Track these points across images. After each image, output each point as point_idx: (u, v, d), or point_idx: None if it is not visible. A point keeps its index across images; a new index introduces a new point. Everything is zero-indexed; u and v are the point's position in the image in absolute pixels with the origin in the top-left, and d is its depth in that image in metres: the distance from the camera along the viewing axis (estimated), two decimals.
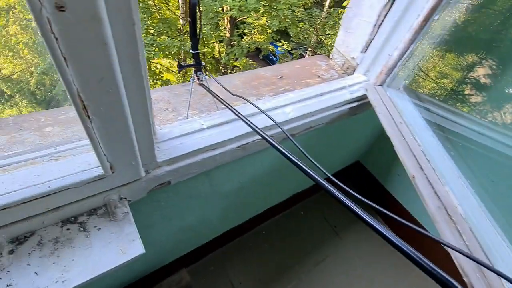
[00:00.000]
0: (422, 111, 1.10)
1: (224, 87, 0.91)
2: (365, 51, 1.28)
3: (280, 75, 1.35)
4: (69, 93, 0.44)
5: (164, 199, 0.94)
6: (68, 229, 0.67)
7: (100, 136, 0.54)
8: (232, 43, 9.33)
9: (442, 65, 1.23)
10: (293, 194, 1.95)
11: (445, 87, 1.24)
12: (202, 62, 0.92)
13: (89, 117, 0.49)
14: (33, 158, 0.62)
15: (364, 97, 1.26)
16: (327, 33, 10.18)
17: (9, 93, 10.01)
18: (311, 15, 9.56)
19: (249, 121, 0.80)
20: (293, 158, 0.65)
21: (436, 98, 1.19)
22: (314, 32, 10.27)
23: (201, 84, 0.95)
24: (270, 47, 9.85)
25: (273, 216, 2.05)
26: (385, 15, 1.14)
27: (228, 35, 9.51)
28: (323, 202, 2.21)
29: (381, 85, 1.19)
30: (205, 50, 9.32)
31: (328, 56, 1.60)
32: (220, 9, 8.30)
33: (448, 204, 0.79)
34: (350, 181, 2.33)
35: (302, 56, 10.05)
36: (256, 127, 0.79)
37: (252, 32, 9.57)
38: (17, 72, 9.77)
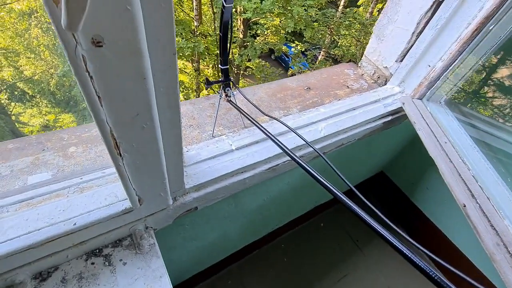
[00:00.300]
0: (468, 129, 1.00)
1: (255, 106, 0.85)
2: (401, 61, 1.18)
3: (307, 86, 1.28)
4: (102, 132, 0.39)
5: (188, 222, 0.89)
6: (92, 263, 0.62)
7: (131, 171, 0.49)
8: (245, 44, 9.29)
9: (495, 77, 1.12)
10: (314, 207, 1.87)
11: (498, 103, 1.13)
12: (231, 78, 0.86)
13: (120, 155, 0.44)
14: (58, 189, 0.57)
15: (399, 110, 1.17)
16: (341, 33, 9.98)
17: (30, 93, 10.35)
18: (326, 15, 9.39)
19: (279, 142, 0.74)
20: (322, 180, 0.61)
21: (486, 114, 1.09)
22: (329, 32, 10.08)
23: (229, 101, 0.89)
24: (283, 48, 9.74)
25: (293, 228, 1.98)
26: (426, 23, 1.05)
27: (241, 36, 9.47)
28: (344, 213, 2.12)
29: (420, 99, 1.10)
30: (217, 52, 9.32)
31: (355, 63, 1.51)
32: (233, 10, 8.27)
33: (509, 241, 0.69)
34: (373, 192, 2.23)
35: (315, 57, 9.87)
36: (287, 148, 0.72)
37: (265, 33, 9.49)
38: (38, 74, 10.10)
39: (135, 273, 0.62)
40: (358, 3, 11.32)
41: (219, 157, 0.79)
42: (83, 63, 0.30)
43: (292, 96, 1.20)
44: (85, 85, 0.32)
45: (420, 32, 1.07)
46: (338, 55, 10.25)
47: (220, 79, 0.85)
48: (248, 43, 9.13)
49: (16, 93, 8.48)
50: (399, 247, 0.50)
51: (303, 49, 9.44)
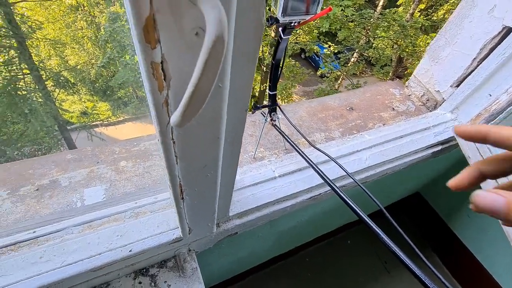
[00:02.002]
0: None
1: (302, 134, 0.83)
2: (457, 86, 1.10)
3: (349, 106, 1.23)
4: (172, 184, 0.40)
5: (225, 243, 0.90)
6: (140, 283, 0.65)
7: (188, 210, 0.50)
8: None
9: None
10: (343, 225, 1.82)
11: None
12: (278, 103, 0.85)
13: (183, 199, 0.45)
14: (115, 213, 0.61)
15: (450, 139, 1.09)
16: (378, 34, 9.54)
17: (72, 81, 11.09)
18: (363, 16, 9.00)
19: (323, 173, 0.72)
20: (356, 208, 0.62)
21: None
22: (364, 33, 9.68)
23: (274, 125, 0.89)
24: (315, 48, 9.52)
25: (318, 242, 1.94)
26: (491, 50, 0.96)
27: (272, 34, 9.40)
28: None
29: None
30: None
31: (401, 81, 1.43)
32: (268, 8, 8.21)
33: None
34: (406, 212, 2.12)
35: (348, 60, 9.53)
36: (329, 179, 0.71)
37: (297, 31, 9.33)
38: (80, 64, 10.80)
39: None
40: (398, 3, 10.72)
41: (262, 184, 0.79)
42: (170, 134, 0.31)
43: (334, 117, 1.16)
44: (168, 149, 0.33)
45: (483, 59, 0.99)
46: (372, 57, 9.82)
47: (267, 104, 0.85)
48: None
49: (60, 80, 9.14)
50: (420, 277, 0.49)
51: (336, 51, 9.15)
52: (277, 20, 0.57)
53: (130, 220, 0.61)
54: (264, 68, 10.14)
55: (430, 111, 1.23)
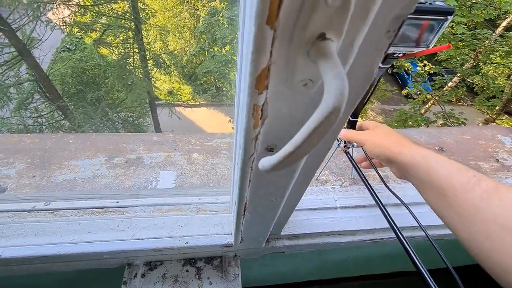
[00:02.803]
0: None
1: (376, 170, 0.76)
2: None
3: (440, 146, 1.07)
4: (238, 201, 0.41)
5: (270, 257, 0.90)
6: (187, 271, 0.70)
7: (246, 225, 0.51)
8: None
9: None
10: (396, 271, 1.61)
11: None
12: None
13: (244, 215, 0.46)
14: (181, 204, 0.67)
15: None
16: (492, 61, 8.02)
17: (168, 63, 12.64)
18: (477, 36, 7.66)
19: (391, 219, 0.64)
20: (422, 269, 0.52)
21: None
22: (473, 56, 8.24)
23: (346, 153, 0.83)
24: (406, 64, 8.59)
25: (365, 279, 1.77)
26: None
27: None
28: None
29: None
30: None
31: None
32: None
33: None
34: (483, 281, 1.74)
35: (445, 84, 8.27)
36: (396, 226, 0.62)
37: None
38: (177, 49, 12.25)
39: None
40: None
41: (320, 212, 0.75)
42: (251, 163, 0.31)
43: None
44: (244, 176, 0.34)
45: None
46: (477, 85, 8.33)
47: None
48: None
49: (159, 62, 10.54)
50: None
51: (431, 71, 8.05)
52: None
53: (191, 214, 0.66)
54: None
55: None
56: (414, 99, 8.54)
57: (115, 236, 0.59)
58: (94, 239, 0.58)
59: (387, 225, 0.76)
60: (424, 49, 0.51)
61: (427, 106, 8.74)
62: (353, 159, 0.83)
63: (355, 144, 0.86)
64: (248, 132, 0.26)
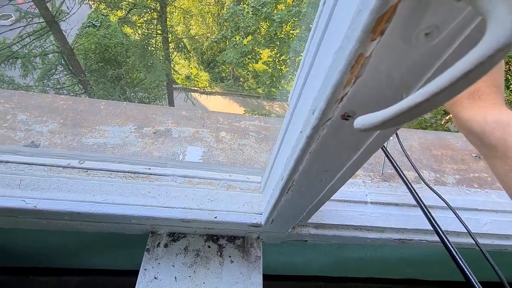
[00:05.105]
0: None
1: (415, 167, 0.72)
2: None
3: (477, 153, 1.01)
4: (288, 176, 0.39)
5: (288, 244, 0.88)
6: (209, 246, 0.70)
7: (283, 204, 0.49)
8: None
9: None
10: (414, 278, 1.57)
11: None
12: None
13: (287, 192, 0.44)
14: (212, 178, 0.65)
15: None
16: None
17: (188, 48, 12.68)
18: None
19: (435, 221, 0.61)
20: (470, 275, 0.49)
21: None
22: (505, 68, 7.87)
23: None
24: None
25: (376, 283, 1.74)
26: None
27: None
28: None
29: None
30: None
31: None
32: None
33: None
34: None
35: None
36: (441, 229, 0.58)
37: None
38: (199, 35, 12.23)
39: (237, 277, 0.66)
40: None
41: (350, 204, 0.73)
42: (321, 130, 0.29)
43: (453, 159, 0.98)
44: (308, 144, 0.31)
45: None
46: (506, 99, 7.97)
47: None
48: None
49: (180, 45, 10.55)
50: None
51: None
52: None
53: (221, 189, 0.64)
54: None
55: None
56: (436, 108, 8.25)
57: (145, 202, 0.58)
58: (125, 202, 0.58)
59: (419, 227, 0.73)
60: None
61: (448, 117, 8.45)
62: (388, 152, 0.80)
63: (391, 138, 0.82)
64: (337, 90, 0.24)
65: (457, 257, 0.51)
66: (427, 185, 0.71)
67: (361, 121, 0.20)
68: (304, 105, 0.32)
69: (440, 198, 0.65)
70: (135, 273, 0.64)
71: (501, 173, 0.42)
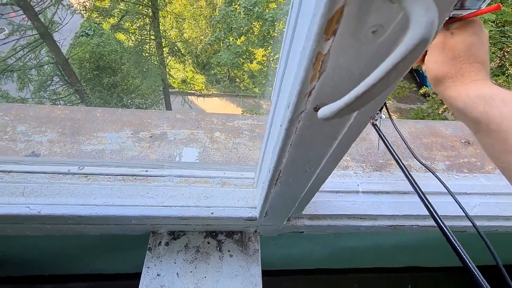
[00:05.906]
0: None
1: (412, 151, 0.75)
2: None
3: (466, 139, 1.04)
4: (274, 168, 0.42)
5: (286, 237, 0.91)
6: (208, 242, 0.72)
7: (274, 196, 0.52)
8: None
9: None
10: (412, 266, 1.60)
11: None
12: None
13: (275, 184, 0.47)
14: (207, 176, 0.68)
15: None
16: None
17: (183, 51, 12.67)
18: (505, 34, 7.29)
19: (431, 205, 0.63)
20: (466, 258, 0.49)
21: None
22: (500, 55, 7.90)
23: (374, 125, 0.82)
24: None
25: (374, 272, 1.77)
26: None
27: None
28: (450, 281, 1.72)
29: None
30: None
31: None
32: None
33: None
34: None
35: None
36: (436, 213, 0.61)
37: None
38: (192, 38, 12.23)
39: (236, 270, 0.69)
40: None
41: (342, 195, 0.75)
42: (297, 122, 0.32)
43: (442, 146, 1.00)
44: (288, 136, 0.34)
45: None
46: (501, 85, 7.98)
47: None
48: None
49: (174, 49, 10.57)
50: None
51: None
52: None
53: (217, 187, 0.67)
54: None
55: None
56: (433, 98, 8.27)
57: (144, 202, 0.61)
58: (125, 203, 0.60)
59: (410, 212, 0.76)
60: (474, 11, 0.47)
61: (444, 107, 8.47)
62: (381, 132, 0.81)
63: (383, 116, 0.84)
64: (304, 85, 0.26)
65: (454, 242, 0.53)
66: (426, 166, 0.73)
67: (323, 112, 0.23)
68: (282, 101, 0.34)
69: (441, 182, 0.66)
70: (138, 276, 0.66)
71: (487, 147, 0.43)
